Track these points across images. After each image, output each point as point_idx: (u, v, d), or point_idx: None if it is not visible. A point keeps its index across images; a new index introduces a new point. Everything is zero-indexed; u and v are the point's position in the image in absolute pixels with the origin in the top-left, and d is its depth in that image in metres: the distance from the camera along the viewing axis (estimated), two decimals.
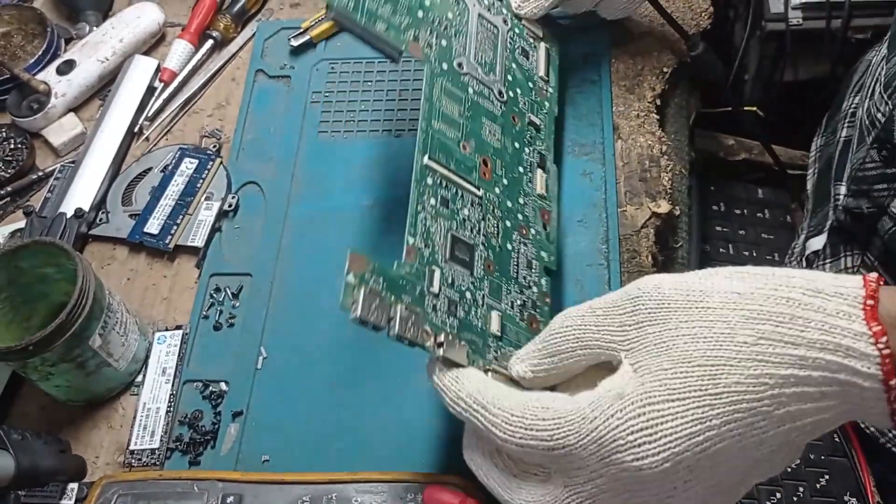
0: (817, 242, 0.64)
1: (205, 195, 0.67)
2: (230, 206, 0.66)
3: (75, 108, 0.76)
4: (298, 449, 0.55)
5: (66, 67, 0.75)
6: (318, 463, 0.54)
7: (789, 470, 0.62)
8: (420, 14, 0.56)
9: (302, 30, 0.74)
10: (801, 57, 0.83)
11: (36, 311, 0.59)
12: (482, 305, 0.50)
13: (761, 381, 0.33)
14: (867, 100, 0.57)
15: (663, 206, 0.61)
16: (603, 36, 0.69)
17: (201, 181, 0.68)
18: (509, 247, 0.54)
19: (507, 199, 0.55)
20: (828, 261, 0.61)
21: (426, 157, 0.52)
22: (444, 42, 0.57)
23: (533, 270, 0.54)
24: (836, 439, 0.64)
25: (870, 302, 0.32)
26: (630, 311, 0.38)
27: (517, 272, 0.53)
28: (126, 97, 0.74)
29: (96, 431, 0.58)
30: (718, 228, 0.76)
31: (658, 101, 0.66)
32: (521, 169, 0.57)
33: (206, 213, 0.66)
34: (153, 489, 0.52)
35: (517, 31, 0.63)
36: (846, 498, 0.62)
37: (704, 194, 0.75)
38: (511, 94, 0.59)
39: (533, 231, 0.56)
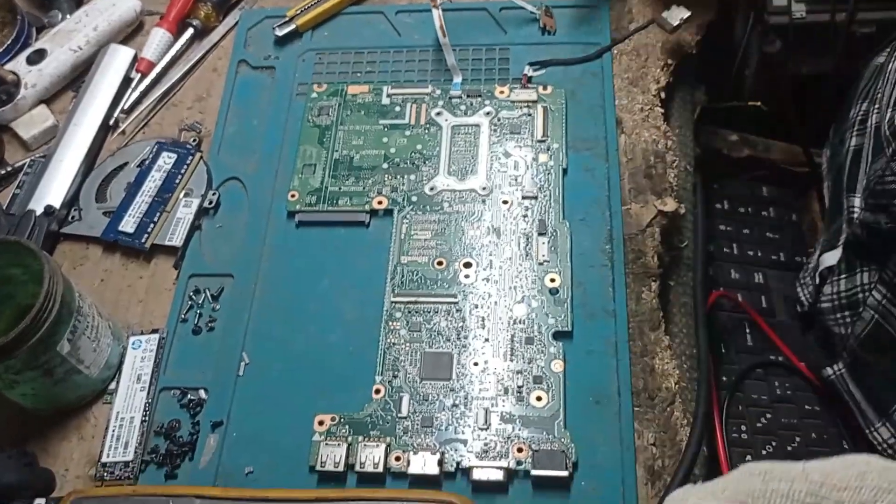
0: (831, 258, 0.61)
1: (184, 191, 0.65)
2: (211, 202, 0.64)
3: (47, 100, 0.74)
4: (283, 462, 0.52)
5: (37, 57, 0.73)
6: (305, 477, 0.51)
7: None
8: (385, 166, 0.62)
9: (287, 18, 0.72)
10: (805, 52, 0.81)
11: (1, 315, 0.56)
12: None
13: None
14: (889, 109, 0.55)
15: (670, 205, 0.58)
16: (605, 26, 0.67)
17: (180, 177, 0.65)
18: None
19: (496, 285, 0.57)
20: (843, 276, 0.59)
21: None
22: (411, 177, 0.62)
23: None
24: (846, 446, 0.62)
25: None
26: None
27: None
28: (101, 88, 0.72)
29: (66, 443, 0.56)
30: (722, 227, 0.73)
31: (662, 95, 0.64)
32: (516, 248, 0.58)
33: (184, 211, 0.64)
34: None
35: (506, 112, 0.64)
36: None
37: (708, 192, 0.73)
38: (496, 180, 0.61)
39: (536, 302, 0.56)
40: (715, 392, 0.60)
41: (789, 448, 0.61)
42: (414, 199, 0.61)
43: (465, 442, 0.51)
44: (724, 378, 0.63)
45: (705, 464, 0.55)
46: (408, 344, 0.55)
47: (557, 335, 0.54)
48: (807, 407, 0.63)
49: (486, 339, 0.54)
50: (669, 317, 0.59)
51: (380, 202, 0.61)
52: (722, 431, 0.60)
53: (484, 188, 0.61)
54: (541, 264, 0.57)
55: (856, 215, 0.58)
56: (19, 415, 0.56)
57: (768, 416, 0.62)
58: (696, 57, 0.67)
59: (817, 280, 0.63)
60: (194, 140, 0.68)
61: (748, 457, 0.60)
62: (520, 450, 0.50)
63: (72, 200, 0.66)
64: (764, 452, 0.60)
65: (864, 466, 0.35)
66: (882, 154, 0.54)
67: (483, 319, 0.55)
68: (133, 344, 0.58)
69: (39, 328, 0.50)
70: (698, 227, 0.64)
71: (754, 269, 0.71)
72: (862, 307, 0.57)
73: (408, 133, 0.64)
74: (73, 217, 0.65)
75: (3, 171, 0.69)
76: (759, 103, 0.77)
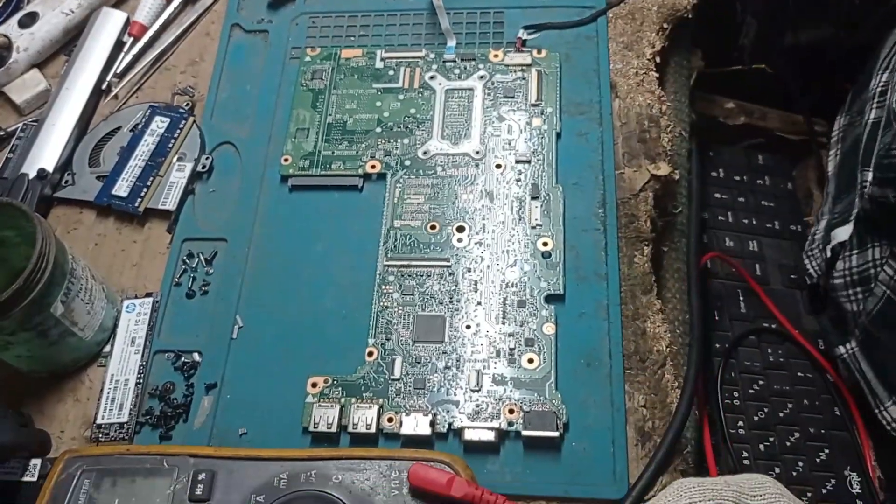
0: (843, 233, 0.60)
1: (177, 156, 0.64)
2: (204, 167, 0.63)
3: (39, 64, 0.73)
4: (277, 423, 0.52)
5: (29, 20, 0.72)
6: (299, 437, 0.51)
7: (788, 444, 0.60)
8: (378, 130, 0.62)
9: None
10: (803, 20, 0.80)
11: None
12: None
13: None
14: None
15: (663, 169, 0.58)
16: None
17: (173, 141, 0.65)
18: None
19: (488, 249, 0.56)
20: (854, 251, 0.58)
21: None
22: (405, 140, 0.61)
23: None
24: (837, 412, 0.62)
25: None
26: None
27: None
28: (93, 52, 0.71)
29: (61, 404, 0.56)
30: (717, 195, 0.73)
31: (658, 59, 0.63)
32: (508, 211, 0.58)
33: (178, 175, 0.63)
34: (120, 464, 0.49)
35: (500, 76, 0.64)
36: (846, 472, 0.60)
37: (703, 159, 0.72)
38: (490, 144, 0.61)
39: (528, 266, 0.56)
40: (706, 357, 0.60)
41: (781, 414, 0.61)
42: (407, 162, 0.61)
43: (457, 403, 0.51)
44: (717, 344, 0.64)
45: (696, 427, 0.55)
46: (401, 307, 0.55)
47: (549, 298, 0.54)
48: (799, 374, 0.64)
49: (479, 303, 0.54)
50: (662, 282, 0.59)
51: (373, 166, 0.61)
52: (716, 397, 0.60)
53: (477, 152, 0.60)
54: (533, 228, 0.57)
55: (867, 190, 0.57)
56: (16, 377, 0.56)
57: (761, 382, 0.63)
58: (692, 21, 0.66)
59: (828, 254, 0.62)
60: (187, 104, 0.67)
61: (740, 422, 0.60)
62: (511, 411, 0.50)
63: (65, 165, 0.65)
64: (756, 419, 0.61)
65: (762, 480, 0.45)
66: (890, 127, 0.53)
67: (476, 283, 0.55)
68: (127, 307, 0.58)
69: (32, 289, 0.49)
70: (693, 193, 0.64)
71: (749, 238, 0.71)
72: (874, 283, 0.56)
73: (401, 97, 0.64)
74: (66, 181, 0.64)
75: None
76: (763, 66, 0.76)
